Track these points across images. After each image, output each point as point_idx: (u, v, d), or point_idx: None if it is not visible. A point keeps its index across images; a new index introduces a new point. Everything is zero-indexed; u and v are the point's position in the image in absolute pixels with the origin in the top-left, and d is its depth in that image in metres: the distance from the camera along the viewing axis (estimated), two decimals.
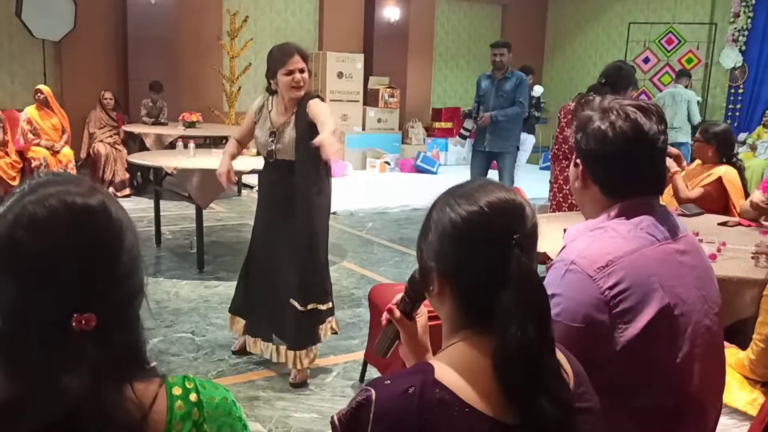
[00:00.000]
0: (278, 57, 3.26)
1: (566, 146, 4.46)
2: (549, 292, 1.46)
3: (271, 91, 3.40)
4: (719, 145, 4.20)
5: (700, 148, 4.29)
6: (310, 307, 3.36)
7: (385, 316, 1.34)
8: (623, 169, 1.50)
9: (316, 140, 2.95)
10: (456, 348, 1.10)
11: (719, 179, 4.11)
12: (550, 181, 4.90)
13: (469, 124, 6.54)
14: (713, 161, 4.23)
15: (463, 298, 1.11)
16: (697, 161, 4.50)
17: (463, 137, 6.63)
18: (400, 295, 1.33)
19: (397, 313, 1.32)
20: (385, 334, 1.36)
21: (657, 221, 1.51)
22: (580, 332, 1.42)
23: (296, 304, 3.33)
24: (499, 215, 1.09)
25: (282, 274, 3.39)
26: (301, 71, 3.25)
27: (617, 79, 4.25)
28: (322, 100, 3.36)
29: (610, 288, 1.41)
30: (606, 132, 1.46)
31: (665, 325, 1.43)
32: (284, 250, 3.38)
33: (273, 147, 3.32)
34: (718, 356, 1.58)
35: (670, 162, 4.25)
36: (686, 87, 9.06)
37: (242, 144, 3.65)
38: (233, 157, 3.57)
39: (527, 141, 8.76)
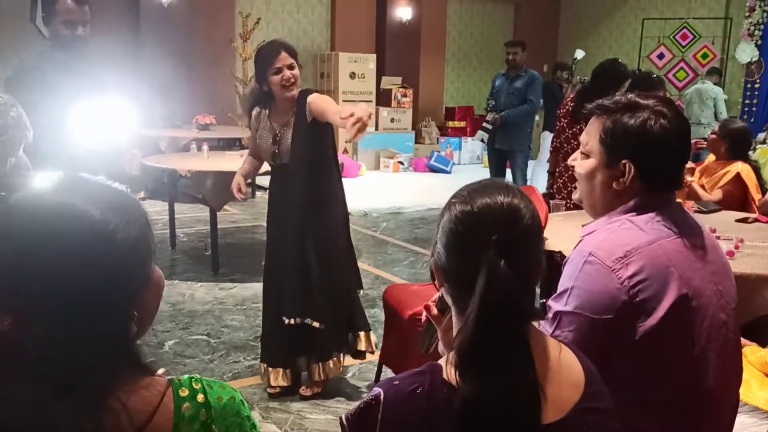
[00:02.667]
0: (265, 56, 3.10)
1: (569, 148, 4.41)
2: (567, 284, 1.46)
3: (263, 101, 3.22)
4: (733, 143, 4.19)
5: (714, 142, 4.27)
6: (296, 321, 3.15)
7: (423, 315, 1.35)
8: (673, 166, 1.53)
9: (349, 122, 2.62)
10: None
11: (737, 175, 4.08)
12: (548, 171, 4.87)
13: (490, 116, 6.54)
14: (724, 158, 4.21)
15: (454, 299, 1.14)
16: (712, 156, 4.46)
17: (487, 130, 6.59)
18: (437, 294, 1.33)
19: (434, 310, 1.32)
20: (426, 331, 1.38)
21: (672, 216, 1.52)
22: (600, 324, 1.41)
23: (284, 318, 3.16)
24: (486, 216, 1.09)
25: (283, 289, 3.20)
26: (291, 68, 3.07)
27: (605, 79, 4.21)
28: (318, 92, 3.17)
29: (630, 278, 1.41)
30: (668, 130, 1.48)
31: (682, 315, 1.43)
32: (288, 262, 3.18)
33: (276, 150, 3.17)
34: (734, 352, 1.57)
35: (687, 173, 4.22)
36: (715, 84, 9.00)
37: (258, 158, 3.44)
38: (247, 173, 3.46)
39: (548, 139, 8.65)
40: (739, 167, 4.11)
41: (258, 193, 8.59)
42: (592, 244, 1.47)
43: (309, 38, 11.62)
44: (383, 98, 11.36)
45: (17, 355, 0.86)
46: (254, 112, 3.27)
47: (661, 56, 11.42)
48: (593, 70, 4.36)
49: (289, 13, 11.40)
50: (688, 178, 4.19)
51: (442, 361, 1.09)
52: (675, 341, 1.44)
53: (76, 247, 0.87)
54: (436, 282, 1.19)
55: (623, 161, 1.50)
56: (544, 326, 1.49)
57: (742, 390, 1.89)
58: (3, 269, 0.86)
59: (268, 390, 3.27)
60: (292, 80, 3.07)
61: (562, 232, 3.24)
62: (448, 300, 1.18)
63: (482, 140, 6.73)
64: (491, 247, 1.04)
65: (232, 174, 5.23)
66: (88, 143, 2.25)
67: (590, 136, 1.58)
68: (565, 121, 4.39)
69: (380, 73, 11.49)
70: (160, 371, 1.03)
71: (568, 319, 1.44)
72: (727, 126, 4.31)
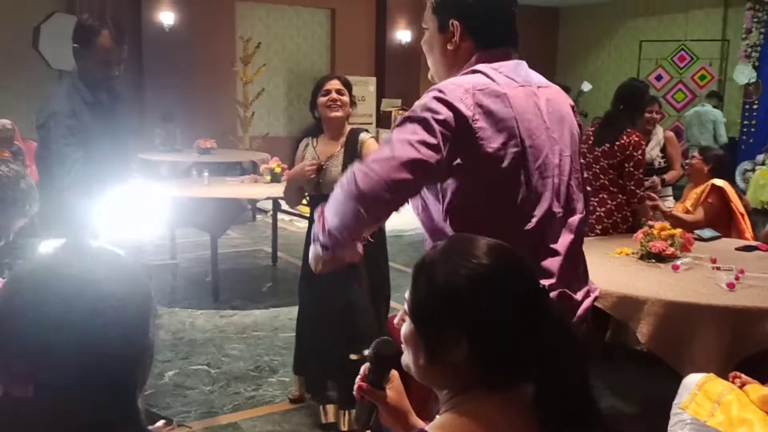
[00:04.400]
0: (318, 83, 3.27)
1: (590, 173, 4.35)
2: (413, 113, 1.56)
3: (313, 132, 3.31)
4: (715, 166, 4.28)
5: (698, 165, 4.31)
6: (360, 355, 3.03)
7: (356, 391, 1.31)
8: (496, 19, 1.70)
9: None
10: (457, 413, 1.07)
11: (713, 187, 4.15)
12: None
13: None
14: (704, 180, 4.26)
15: (482, 356, 1.06)
16: (689, 185, 4.49)
17: None
18: (365, 366, 1.31)
19: (366, 387, 1.30)
20: (362, 407, 1.33)
21: (514, 67, 1.69)
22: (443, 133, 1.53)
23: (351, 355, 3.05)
24: (511, 264, 1.11)
25: (330, 322, 3.18)
26: (339, 92, 3.19)
27: (635, 102, 4.20)
28: (374, 137, 3.26)
29: (474, 105, 1.56)
30: None
31: (515, 151, 1.59)
32: (333, 294, 3.12)
33: (321, 180, 3.16)
34: (570, 191, 1.71)
35: (662, 205, 4.21)
36: (714, 107, 9.09)
37: None
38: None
39: None
40: (714, 180, 4.20)
41: (258, 217, 8.60)
42: (439, 85, 1.61)
43: (309, 61, 11.70)
44: (383, 120, 11.40)
45: (36, 416, 0.90)
46: (302, 143, 3.34)
47: (659, 78, 11.49)
48: (617, 93, 4.33)
49: (290, 37, 11.48)
50: (663, 205, 4.19)
51: (431, 428, 1.07)
52: (510, 175, 1.60)
53: (93, 320, 0.91)
54: (439, 353, 1.10)
55: (450, 21, 1.67)
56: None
57: (744, 429, 1.89)
58: (26, 341, 0.89)
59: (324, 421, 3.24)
60: (338, 103, 3.18)
61: None
62: (445, 371, 1.10)
63: None
64: (544, 292, 1.09)
65: (231, 201, 5.30)
66: (114, 235, 2.11)
67: (425, 11, 1.75)
68: (586, 146, 4.35)
69: (380, 95, 11.56)
70: (159, 423, 1.05)
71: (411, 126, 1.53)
72: (710, 151, 4.53)
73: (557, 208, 1.65)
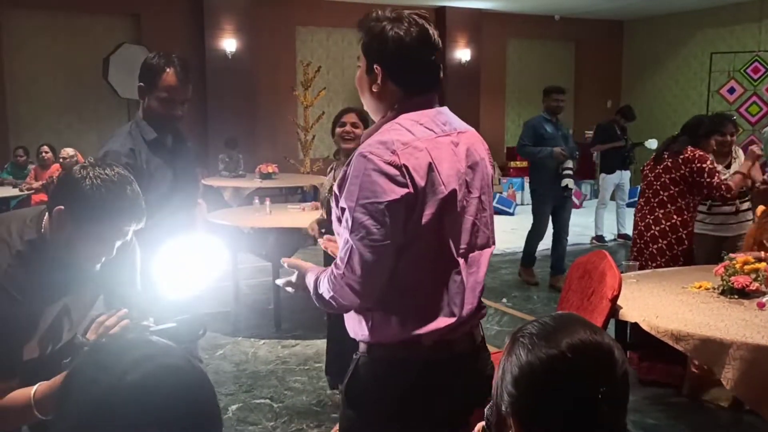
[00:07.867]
0: (338, 114, 3.58)
1: (650, 191, 4.24)
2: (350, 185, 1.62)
3: (341, 159, 3.56)
4: None
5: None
6: None
7: None
8: (417, 67, 1.72)
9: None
10: None
11: None
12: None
13: (570, 163, 6.29)
14: None
15: None
16: (762, 209, 4.17)
17: (571, 176, 6.33)
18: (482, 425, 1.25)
19: None
20: None
21: (435, 116, 1.74)
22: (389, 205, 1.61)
23: None
24: (583, 363, 1.02)
25: None
26: (354, 125, 3.44)
27: (695, 129, 4.22)
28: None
29: (403, 166, 1.63)
30: (403, 37, 1.68)
31: (432, 198, 1.67)
32: None
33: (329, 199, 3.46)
34: (473, 231, 1.78)
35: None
36: None
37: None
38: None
39: (606, 180, 8.71)
40: None
41: (319, 240, 8.58)
42: (369, 146, 1.66)
43: None
44: None
45: None
46: (330, 167, 3.69)
47: (731, 91, 11.04)
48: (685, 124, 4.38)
49: (350, 59, 11.54)
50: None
51: None
52: (425, 216, 1.67)
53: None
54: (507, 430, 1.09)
55: (375, 65, 1.71)
56: (342, 228, 1.63)
57: None
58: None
59: None
60: (351, 135, 3.43)
61: (637, 299, 3.07)
62: None
63: (568, 186, 6.39)
64: (601, 402, 1.00)
65: (293, 230, 5.28)
66: (167, 294, 1.99)
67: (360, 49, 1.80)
68: (648, 166, 4.31)
69: None
70: None
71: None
72: None
73: (463, 245, 1.75)
